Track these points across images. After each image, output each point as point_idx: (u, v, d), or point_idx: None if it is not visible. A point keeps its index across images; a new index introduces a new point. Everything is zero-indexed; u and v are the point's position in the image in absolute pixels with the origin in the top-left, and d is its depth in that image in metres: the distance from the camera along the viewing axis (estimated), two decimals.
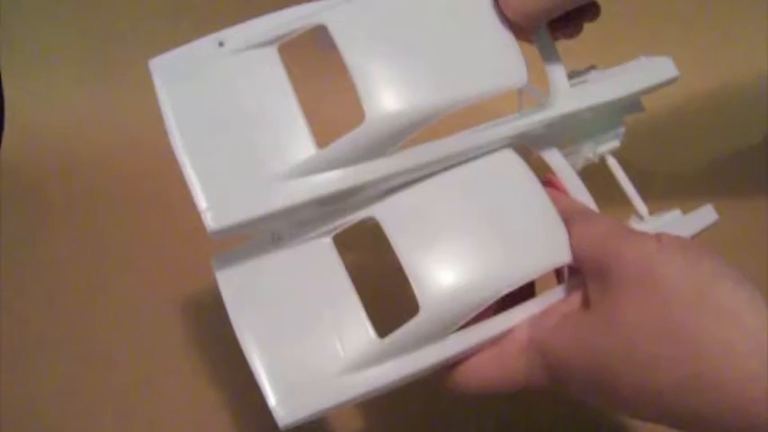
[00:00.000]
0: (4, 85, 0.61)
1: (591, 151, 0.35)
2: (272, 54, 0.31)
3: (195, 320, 0.47)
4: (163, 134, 0.63)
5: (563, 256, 0.30)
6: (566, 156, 0.35)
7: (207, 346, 0.46)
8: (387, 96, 0.29)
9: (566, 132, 0.35)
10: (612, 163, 0.36)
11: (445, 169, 0.31)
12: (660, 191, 0.54)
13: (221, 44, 0.31)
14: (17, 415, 0.42)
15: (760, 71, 0.63)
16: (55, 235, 0.53)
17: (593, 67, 0.36)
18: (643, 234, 0.28)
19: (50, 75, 0.61)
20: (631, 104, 0.36)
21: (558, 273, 0.33)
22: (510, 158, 0.33)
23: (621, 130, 0.36)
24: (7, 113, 0.60)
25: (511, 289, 0.30)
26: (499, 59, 0.31)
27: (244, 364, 0.46)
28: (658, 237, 0.27)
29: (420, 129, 0.29)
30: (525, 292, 0.32)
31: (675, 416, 0.25)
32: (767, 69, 0.63)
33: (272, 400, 0.29)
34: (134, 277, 0.50)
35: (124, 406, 0.44)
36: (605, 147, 0.36)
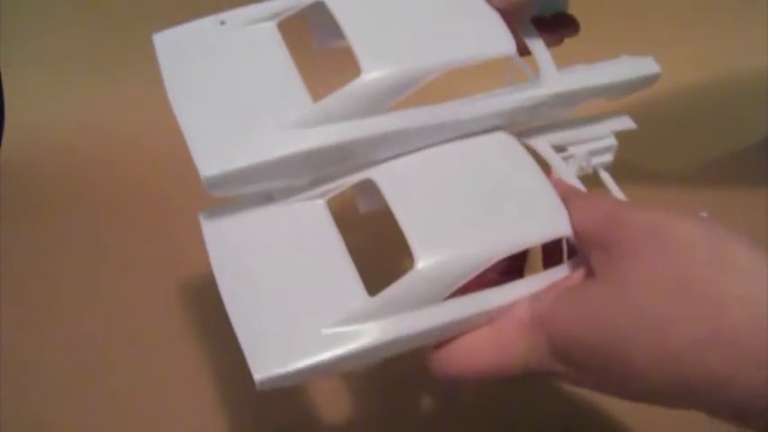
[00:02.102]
0: (4, 85, 0.61)
1: (585, 160, 0.36)
2: (270, 28, 0.32)
3: (195, 320, 0.47)
4: (163, 134, 0.63)
5: (563, 228, 0.30)
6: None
7: (207, 345, 0.46)
8: (382, 53, 0.30)
9: (554, 126, 0.36)
10: (605, 176, 0.36)
11: (441, 143, 0.32)
12: (659, 190, 0.54)
13: (223, 23, 0.32)
14: (17, 415, 0.42)
15: (760, 70, 0.63)
16: (55, 235, 0.53)
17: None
18: (650, 204, 0.27)
19: (50, 75, 0.61)
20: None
21: (546, 258, 0.33)
22: (507, 138, 0.33)
23: (614, 144, 0.36)
24: (7, 113, 0.60)
25: (509, 253, 0.29)
26: (489, 31, 0.32)
27: (241, 364, 0.46)
28: (666, 206, 0.27)
29: (414, 87, 0.30)
30: (514, 275, 0.31)
31: (691, 381, 0.24)
32: (767, 69, 0.63)
33: (249, 352, 0.27)
34: (133, 277, 0.50)
35: (124, 406, 0.44)
36: (598, 160, 0.36)
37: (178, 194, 0.55)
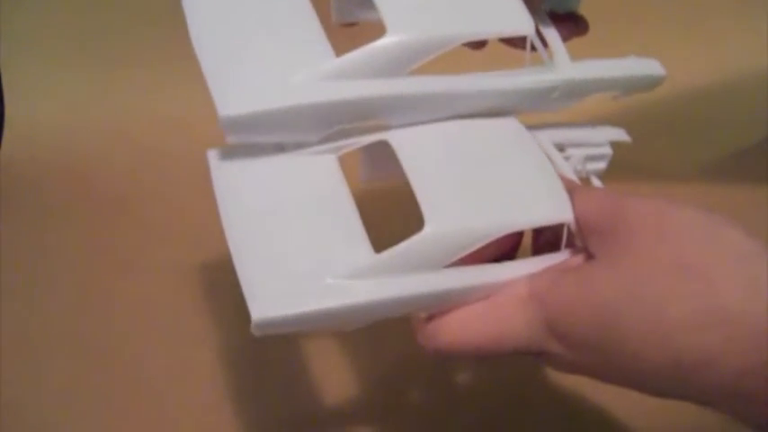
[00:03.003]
0: (4, 85, 0.61)
1: (580, 163, 0.36)
2: None
3: (196, 319, 0.47)
4: (164, 133, 0.63)
5: (565, 214, 0.30)
6: None
7: (208, 345, 0.46)
8: (408, 17, 0.31)
9: (556, 125, 0.36)
10: (597, 184, 0.37)
11: (456, 119, 0.33)
12: (659, 190, 0.54)
13: None
14: (17, 415, 0.42)
15: (760, 71, 0.63)
16: (55, 235, 0.53)
17: None
18: (649, 194, 0.28)
19: (51, 74, 0.61)
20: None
21: (536, 248, 0.33)
22: (517, 125, 0.34)
23: (609, 153, 0.37)
24: (7, 113, 0.60)
25: (516, 229, 0.30)
26: (511, 9, 0.33)
27: (243, 363, 0.47)
28: (664, 196, 0.27)
29: (434, 54, 0.31)
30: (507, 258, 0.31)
31: (684, 359, 0.24)
32: (767, 69, 0.63)
33: (249, 294, 0.27)
34: (134, 277, 0.50)
35: (124, 405, 0.44)
36: (593, 166, 0.37)
37: (179, 194, 0.55)
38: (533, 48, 0.33)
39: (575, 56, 0.36)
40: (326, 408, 0.43)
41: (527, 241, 0.33)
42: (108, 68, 0.61)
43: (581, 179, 0.36)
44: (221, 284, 0.48)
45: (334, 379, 0.44)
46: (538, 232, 0.33)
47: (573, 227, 0.30)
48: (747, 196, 0.54)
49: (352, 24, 0.37)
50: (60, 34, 0.61)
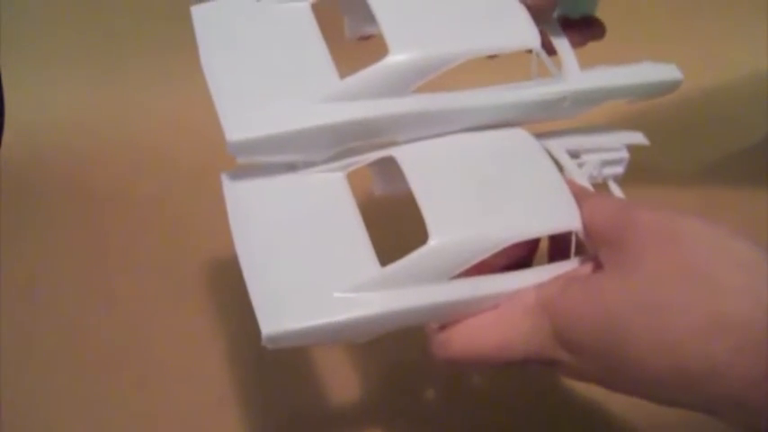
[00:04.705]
0: (4, 85, 0.61)
1: (596, 169, 0.36)
2: (304, 7, 0.34)
3: (195, 320, 0.47)
4: (163, 133, 0.63)
5: (573, 222, 0.30)
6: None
7: (207, 345, 0.46)
8: (410, 36, 0.31)
9: (569, 132, 0.36)
10: (614, 188, 0.37)
11: (462, 132, 0.33)
12: (659, 190, 0.54)
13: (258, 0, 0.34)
14: (18, 415, 0.42)
15: (760, 72, 0.63)
16: (55, 235, 0.53)
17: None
18: (656, 204, 0.28)
19: (50, 75, 0.61)
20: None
21: (552, 254, 0.33)
22: (525, 135, 0.34)
23: (626, 157, 0.37)
24: (7, 113, 0.60)
25: (519, 240, 0.30)
26: (516, 23, 0.33)
27: (242, 363, 0.47)
28: (672, 207, 0.28)
29: (438, 71, 0.31)
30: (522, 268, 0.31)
31: (690, 369, 0.24)
32: (767, 70, 0.63)
33: (259, 308, 0.28)
34: (134, 277, 0.50)
35: (124, 406, 0.44)
36: (609, 170, 0.37)
37: (180, 193, 0.55)
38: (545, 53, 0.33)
39: (583, 58, 0.35)
40: (331, 408, 0.44)
41: (545, 246, 0.34)
42: (108, 69, 0.61)
43: (598, 184, 0.36)
44: (223, 284, 0.49)
45: (340, 379, 0.44)
46: (552, 238, 0.33)
47: (581, 235, 0.30)
48: (747, 196, 0.54)
49: (364, 38, 0.37)
50: (60, 34, 0.61)
